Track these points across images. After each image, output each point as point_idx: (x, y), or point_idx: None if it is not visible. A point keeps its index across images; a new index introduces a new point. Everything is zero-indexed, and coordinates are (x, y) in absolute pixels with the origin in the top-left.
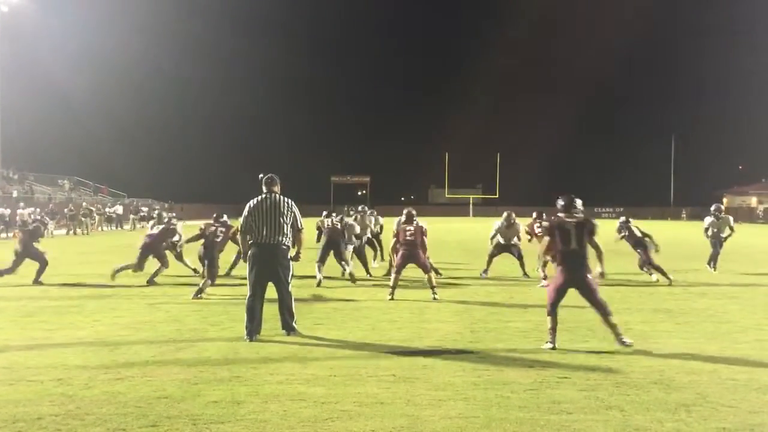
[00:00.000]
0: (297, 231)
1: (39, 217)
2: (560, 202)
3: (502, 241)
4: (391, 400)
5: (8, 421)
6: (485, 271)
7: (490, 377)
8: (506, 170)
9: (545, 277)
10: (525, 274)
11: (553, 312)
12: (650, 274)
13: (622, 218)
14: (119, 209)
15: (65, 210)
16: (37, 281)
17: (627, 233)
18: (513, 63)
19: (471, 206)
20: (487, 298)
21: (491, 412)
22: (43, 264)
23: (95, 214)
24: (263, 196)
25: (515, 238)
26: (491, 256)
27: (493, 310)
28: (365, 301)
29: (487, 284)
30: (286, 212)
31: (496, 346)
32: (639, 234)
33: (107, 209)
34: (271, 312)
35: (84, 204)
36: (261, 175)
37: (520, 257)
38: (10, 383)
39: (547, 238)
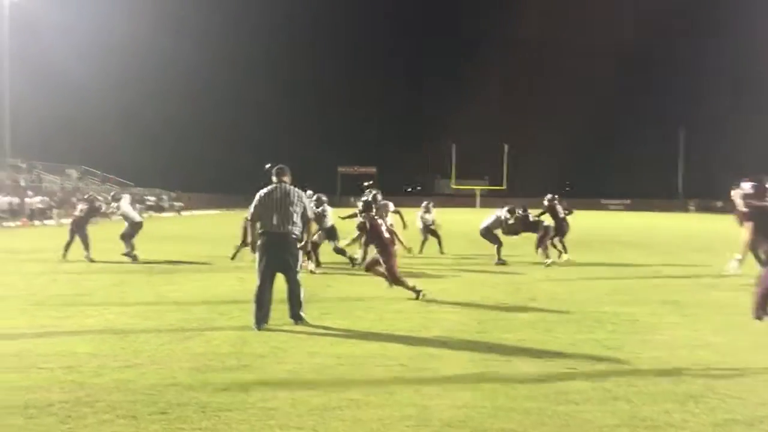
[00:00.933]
0: (307, 221)
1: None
2: (749, 187)
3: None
4: (399, 390)
5: (20, 407)
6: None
7: (497, 367)
8: (513, 162)
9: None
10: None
11: None
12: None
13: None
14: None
15: (73, 199)
16: (89, 258)
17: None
18: (521, 54)
19: (478, 197)
20: (494, 289)
21: (498, 402)
22: (87, 244)
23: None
24: (274, 185)
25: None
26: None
27: (499, 301)
28: (372, 291)
29: (493, 275)
30: (296, 202)
31: (503, 336)
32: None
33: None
34: (279, 301)
35: (91, 193)
36: (268, 166)
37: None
38: (21, 370)
39: (750, 224)
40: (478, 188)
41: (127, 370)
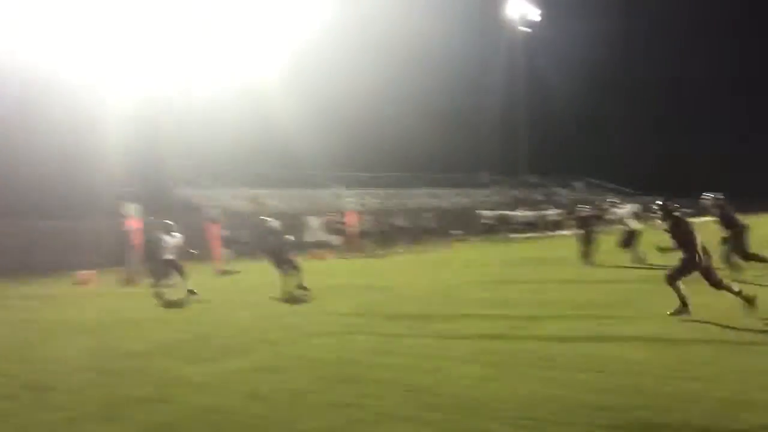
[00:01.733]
0: None
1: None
2: None
3: None
4: None
5: (588, 408)
6: None
7: None
8: None
9: None
10: None
11: None
12: None
13: None
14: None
15: (579, 210)
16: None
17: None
18: None
19: None
20: None
21: None
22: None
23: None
24: None
25: None
26: None
27: None
28: None
29: None
30: None
31: None
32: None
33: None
34: None
35: (596, 204)
36: None
37: None
38: (586, 371)
39: None
40: None
41: (692, 381)
